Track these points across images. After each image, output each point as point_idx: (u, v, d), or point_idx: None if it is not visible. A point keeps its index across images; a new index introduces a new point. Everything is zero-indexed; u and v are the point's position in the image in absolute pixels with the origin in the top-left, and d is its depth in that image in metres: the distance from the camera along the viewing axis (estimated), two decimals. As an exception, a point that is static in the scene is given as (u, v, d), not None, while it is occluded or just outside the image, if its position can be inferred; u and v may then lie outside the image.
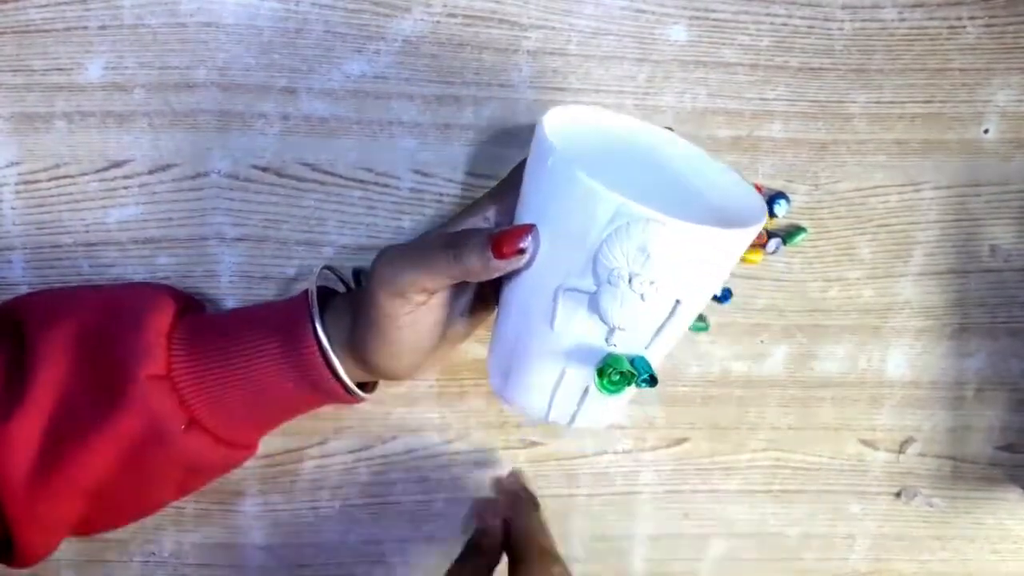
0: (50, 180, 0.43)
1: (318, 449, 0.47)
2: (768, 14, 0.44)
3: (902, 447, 0.50)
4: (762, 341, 0.48)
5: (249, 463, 0.47)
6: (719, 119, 0.45)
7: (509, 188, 0.37)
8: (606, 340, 0.32)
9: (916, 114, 0.46)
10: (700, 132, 0.45)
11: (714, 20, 0.44)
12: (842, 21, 0.44)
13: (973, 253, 0.48)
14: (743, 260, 0.47)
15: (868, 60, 0.45)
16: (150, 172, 0.43)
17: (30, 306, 0.39)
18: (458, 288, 0.38)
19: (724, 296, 0.47)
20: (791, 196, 0.46)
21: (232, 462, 0.41)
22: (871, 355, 0.49)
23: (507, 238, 0.32)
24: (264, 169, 0.44)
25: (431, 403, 0.47)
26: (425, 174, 0.44)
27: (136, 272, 0.44)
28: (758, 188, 0.45)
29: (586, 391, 0.35)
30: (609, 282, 0.31)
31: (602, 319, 0.32)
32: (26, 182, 0.43)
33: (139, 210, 0.43)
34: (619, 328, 0.32)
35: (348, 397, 0.39)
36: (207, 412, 0.38)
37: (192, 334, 0.39)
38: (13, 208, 0.43)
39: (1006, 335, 0.49)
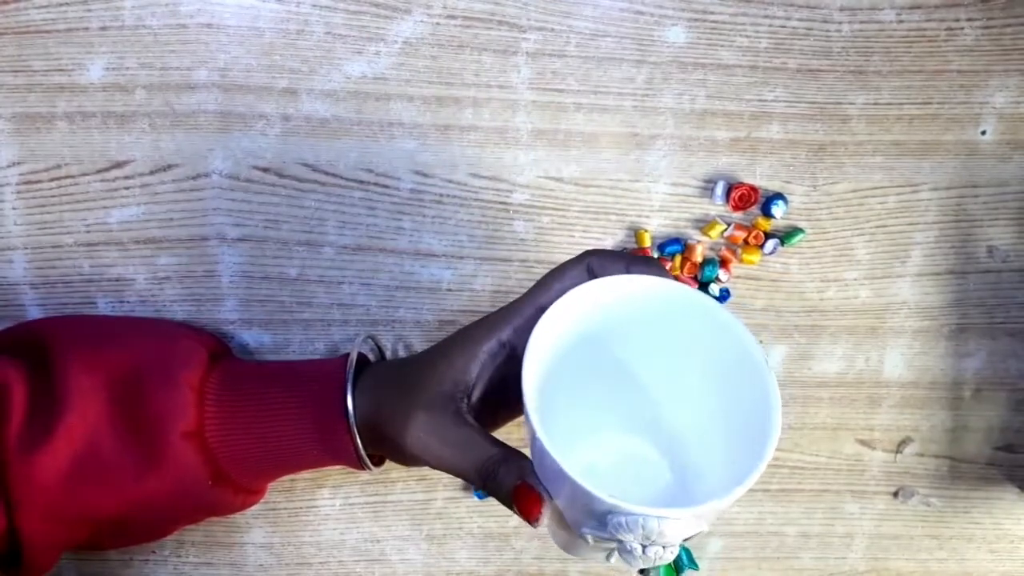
0: (51, 180, 0.43)
1: (318, 448, 0.48)
2: (766, 16, 0.44)
3: (900, 447, 0.51)
4: (760, 341, 0.48)
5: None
6: (718, 120, 0.45)
7: (525, 309, 0.35)
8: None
9: (914, 115, 0.46)
10: (699, 133, 0.45)
11: (712, 22, 0.44)
12: (840, 23, 0.45)
13: (971, 254, 0.48)
14: (742, 260, 0.47)
15: (866, 62, 0.45)
16: (151, 172, 0.43)
17: (58, 334, 0.39)
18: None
19: (722, 297, 0.47)
20: (789, 197, 0.46)
21: (244, 506, 0.43)
22: (869, 355, 0.49)
23: (524, 504, 0.32)
24: (265, 170, 0.44)
25: (431, 403, 0.48)
26: (425, 175, 0.45)
27: (137, 272, 0.44)
28: (755, 190, 0.46)
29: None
30: (627, 548, 0.31)
31: (628, 564, 0.32)
32: (27, 182, 0.43)
33: (140, 210, 0.44)
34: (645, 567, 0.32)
35: (359, 466, 0.40)
36: (233, 467, 0.39)
37: (224, 390, 0.39)
38: (14, 208, 0.43)
39: (1004, 335, 0.49)
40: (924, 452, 0.51)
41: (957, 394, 0.50)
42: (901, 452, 0.51)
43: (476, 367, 0.35)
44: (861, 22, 0.45)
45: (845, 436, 0.50)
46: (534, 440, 0.31)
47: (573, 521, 0.32)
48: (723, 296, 0.47)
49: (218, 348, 0.43)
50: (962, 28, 0.45)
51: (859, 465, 0.51)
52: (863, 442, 0.50)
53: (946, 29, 0.45)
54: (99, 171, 0.43)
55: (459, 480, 0.48)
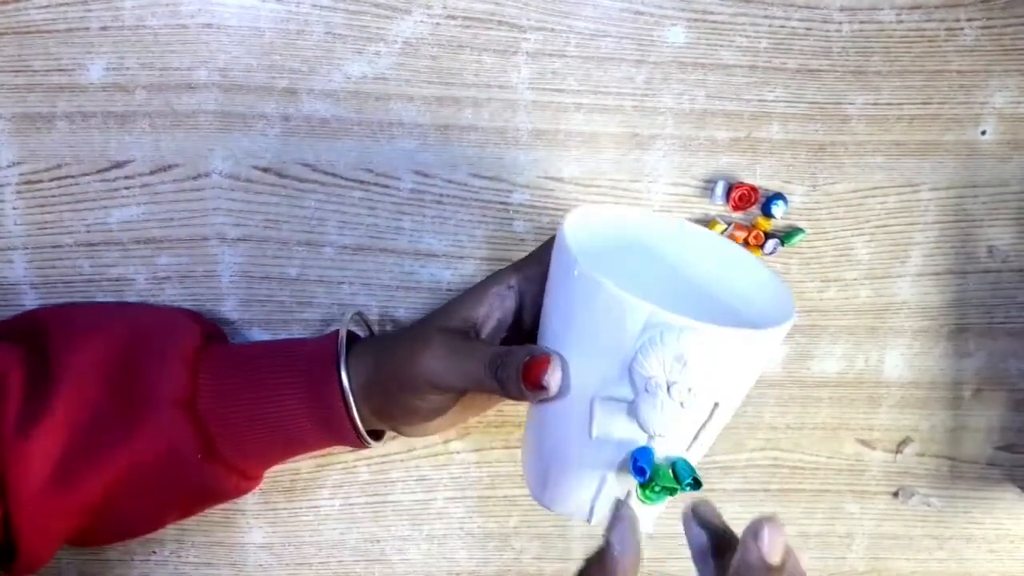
0: (51, 180, 0.43)
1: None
2: (766, 16, 0.44)
3: (900, 447, 0.51)
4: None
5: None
6: (717, 120, 0.45)
7: (534, 262, 0.37)
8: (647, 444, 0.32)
9: (914, 115, 0.46)
10: (699, 134, 0.45)
11: (712, 22, 0.44)
12: (840, 23, 0.45)
13: (971, 254, 0.48)
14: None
15: (866, 62, 0.45)
16: (151, 172, 0.43)
17: (55, 320, 0.40)
18: None
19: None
20: (789, 197, 0.46)
21: (238, 492, 0.42)
22: (869, 355, 0.49)
23: (534, 372, 0.32)
24: (265, 170, 0.44)
25: (431, 403, 0.48)
26: (425, 175, 0.45)
27: (137, 272, 0.44)
28: (755, 190, 0.46)
29: (628, 494, 0.34)
30: (647, 390, 0.30)
31: (641, 427, 0.31)
32: (28, 182, 0.43)
33: (140, 210, 0.44)
34: (659, 435, 0.31)
35: (357, 442, 0.40)
36: (224, 443, 0.39)
37: (217, 364, 0.39)
38: (15, 208, 0.43)
39: (1004, 335, 0.49)
40: (924, 452, 0.51)
41: (957, 394, 0.50)
42: (901, 452, 0.51)
43: (484, 307, 0.37)
44: (861, 22, 0.45)
45: (845, 436, 0.50)
46: (559, 275, 0.32)
47: (586, 380, 0.31)
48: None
49: (213, 330, 0.43)
50: (962, 28, 0.45)
51: (859, 465, 0.51)
52: (863, 442, 0.50)
53: (946, 29, 0.45)
54: (99, 171, 0.43)
55: (459, 480, 0.48)
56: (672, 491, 0.32)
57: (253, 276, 0.45)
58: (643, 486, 0.32)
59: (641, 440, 0.32)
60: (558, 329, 0.33)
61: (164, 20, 0.42)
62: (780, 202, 0.46)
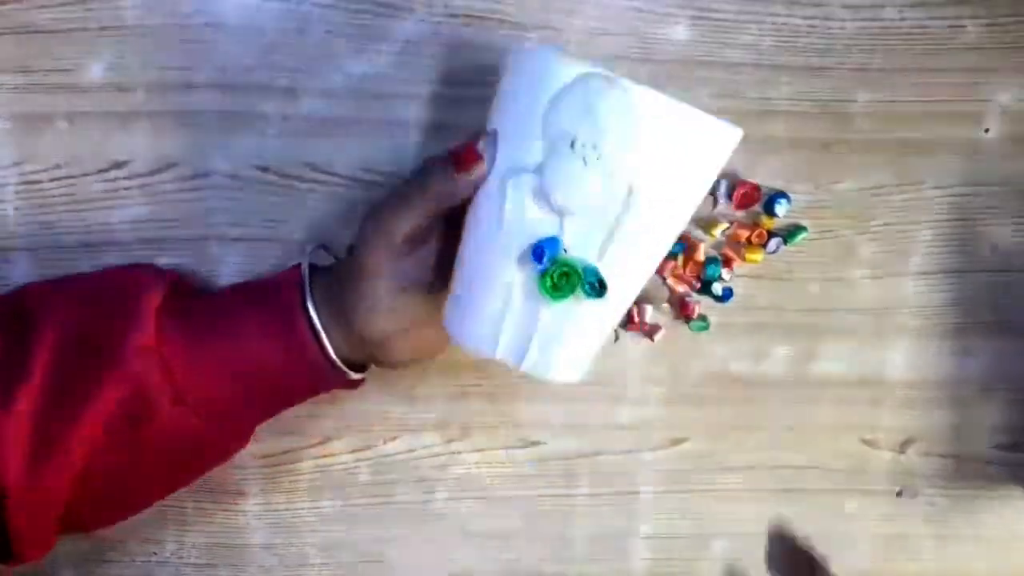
0: (51, 180, 0.43)
1: (318, 449, 0.47)
2: (770, 14, 0.44)
3: (903, 446, 0.50)
4: (763, 340, 0.48)
5: (249, 463, 0.47)
6: (721, 118, 0.45)
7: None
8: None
9: (917, 113, 0.46)
10: (701, 132, 0.45)
11: (715, 20, 0.44)
12: (843, 20, 0.44)
13: (974, 252, 0.48)
14: (744, 259, 0.47)
15: (869, 59, 0.45)
16: (151, 172, 0.43)
17: (29, 292, 0.40)
18: (431, 241, 0.38)
19: (725, 296, 0.47)
20: (792, 195, 0.46)
21: (222, 451, 0.41)
22: (872, 354, 0.49)
23: (464, 148, 0.33)
24: (265, 169, 0.44)
25: (431, 403, 0.47)
26: (426, 174, 0.44)
27: (137, 272, 0.44)
28: (758, 188, 0.46)
29: (537, 320, 0.32)
30: (554, 150, 0.29)
31: (547, 198, 0.30)
32: (28, 182, 0.43)
33: (140, 210, 0.44)
34: (566, 210, 0.30)
35: (338, 377, 0.39)
36: (195, 385, 0.38)
37: (183, 308, 0.39)
38: (15, 208, 0.43)
39: (1007, 334, 0.49)
40: (927, 452, 0.51)
41: (960, 393, 0.50)
42: (904, 452, 0.51)
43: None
44: (864, 20, 0.44)
45: (848, 436, 0.50)
46: (501, 71, 0.33)
47: (505, 155, 0.31)
48: (726, 295, 0.47)
49: (182, 281, 0.42)
50: (965, 26, 0.45)
51: (862, 465, 0.50)
52: (866, 442, 0.50)
53: (949, 27, 0.45)
54: (99, 171, 0.43)
55: (459, 481, 0.48)
56: (575, 282, 0.30)
57: (253, 276, 0.45)
58: (543, 275, 0.31)
59: (552, 229, 0.31)
60: (490, 119, 0.33)
61: (164, 19, 0.42)
62: (783, 200, 0.45)
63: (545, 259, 0.31)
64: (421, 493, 0.49)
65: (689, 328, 0.47)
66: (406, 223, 0.36)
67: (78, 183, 0.43)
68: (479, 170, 0.33)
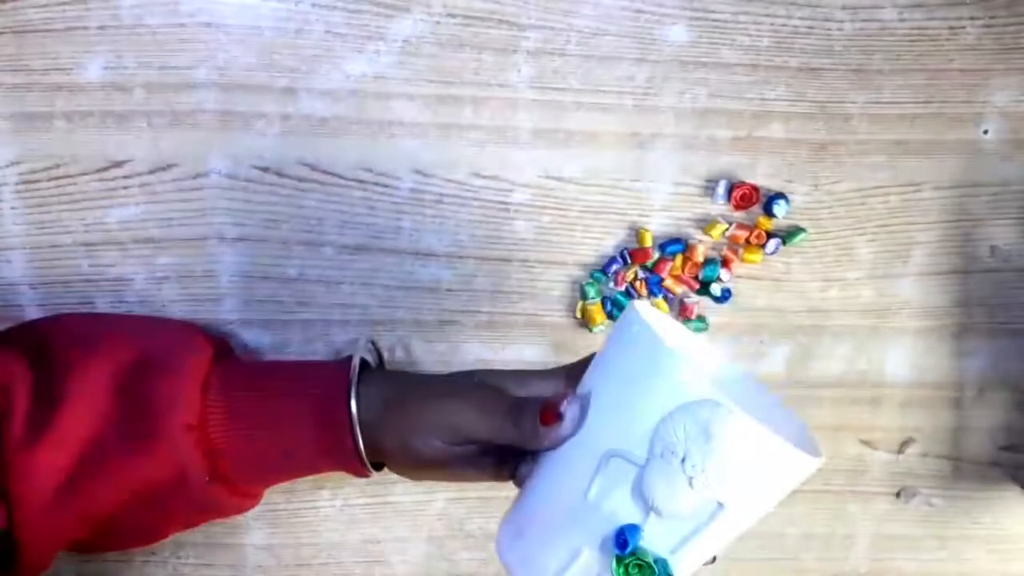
0: (50, 180, 0.43)
1: (318, 449, 0.47)
2: (768, 14, 0.44)
3: (902, 447, 0.50)
4: (762, 341, 0.48)
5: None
6: (719, 119, 0.45)
7: (584, 367, 0.36)
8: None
9: (916, 114, 0.46)
10: (700, 132, 0.45)
11: (714, 20, 0.44)
12: (842, 21, 0.44)
13: (973, 253, 0.48)
14: (743, 260, 0.47)
15: (868, 60, 0.45)
16: (150, 172, 0.43)
17: (61, 331, 0.39)
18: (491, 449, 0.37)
19: (723, 296, 0.47)
20: (790, 196, 0.46)
21: (240, 510, 0.42)
22: (871, 355, 0.49)
23: (550, 403, 0.32)
24: (264, 169, 0.44)
25: (431, 403, 0.47)
26: (425, 174, 0.44)
27: (136, 272, 0.44)
28: (757, 189, 0.46)
29: None
30: (661, 456, 0.30)
31: (643, 495, 0.31)
32: (26, 182, 0.43)
33: (139, 210, 0.43)
34: (657, 511, 0.31)
35: (360, 470, 0.39)
36: (232, 466, 0.39)
37: (227, 385, 0.39)
38: (13, 208, 0.43)
39: (1006, 335, 0.49)
40: (926, 452, 0.51)
41: (959, 394, 0.50)
42: (903, 452, 0.51)
43: (523, 391, 0.37)
44: (863, 20, 0.44)
45: (847, 436, 0.50)
46: (616, 336, 0.33)
47: (605, 432, 0.31)
48: (724, 296, 0.47)
49: (222, 347, 0.43)
50: (964, 27, 0.45)
51: (861, 465, 0.51)
52: (865, 442, 0.50)
53: (948, 28, 0.45)
54: (98, 171, 0.43)
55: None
56: (649, 574, 0.32)
57: (253, 276, 0.45)
58: (619, 559, 0.32)
59: (634, 518, 0.32)
60: (595, 381, 0.33)
61: (163, 19, 0.41)
62: (782, 201, 0.45)
63: (628, 544, 0.31)
64: (421, 494, 0.49)
65: (688, 328, 0.47)
66: (482, 436, 0.36)
67: (76, 183, 0.43)
68: (562, 431, 0.33)
